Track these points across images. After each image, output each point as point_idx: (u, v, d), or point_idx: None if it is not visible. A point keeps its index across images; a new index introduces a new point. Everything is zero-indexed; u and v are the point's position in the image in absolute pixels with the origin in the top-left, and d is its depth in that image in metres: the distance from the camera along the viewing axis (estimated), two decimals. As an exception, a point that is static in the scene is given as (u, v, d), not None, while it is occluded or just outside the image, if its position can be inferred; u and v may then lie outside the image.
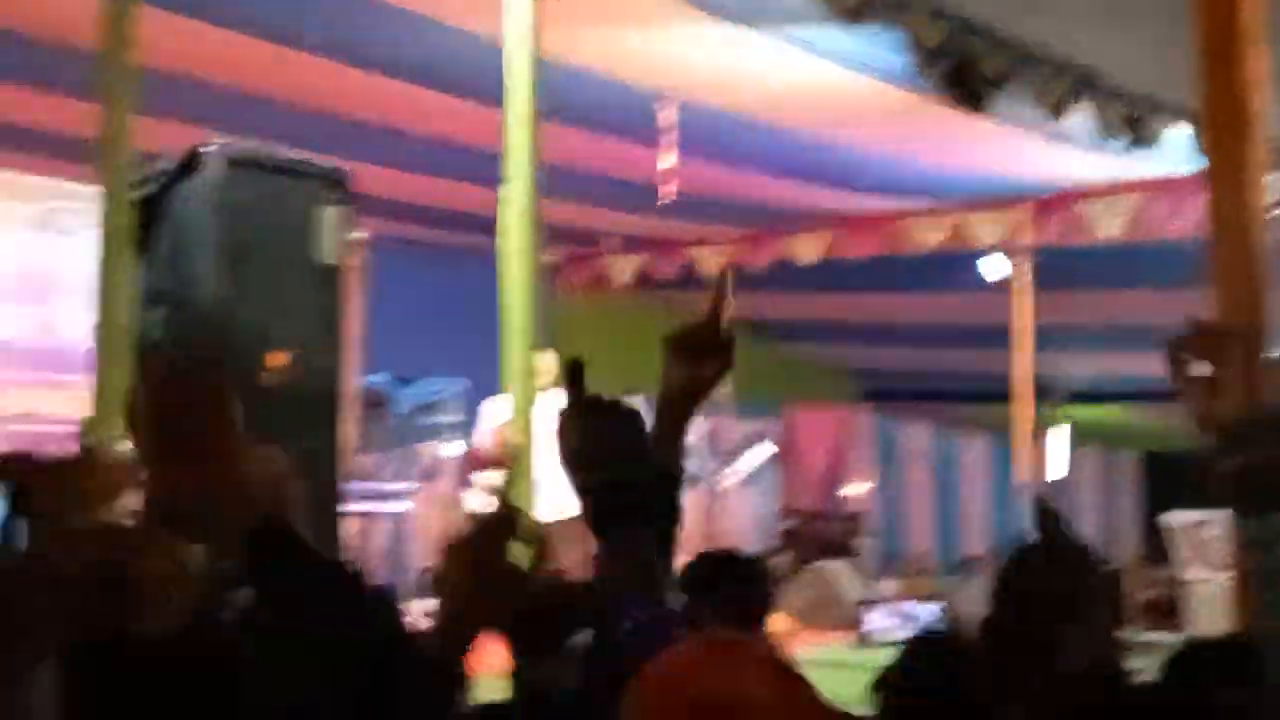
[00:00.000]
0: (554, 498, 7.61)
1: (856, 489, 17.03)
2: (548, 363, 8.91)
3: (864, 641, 7.31)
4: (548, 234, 11.51)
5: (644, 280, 13.50)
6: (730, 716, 1.45)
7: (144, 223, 5.07)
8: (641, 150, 8.70)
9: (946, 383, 15.41)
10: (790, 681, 1.52)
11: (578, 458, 1.95)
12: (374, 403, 13.20)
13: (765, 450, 14.06)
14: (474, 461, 11.17)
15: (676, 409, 2.04)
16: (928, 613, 7.82)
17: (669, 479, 1.98)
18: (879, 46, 7.28)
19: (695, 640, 1.64)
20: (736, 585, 3.14)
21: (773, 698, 1.46)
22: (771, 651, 1.71)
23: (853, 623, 7.85)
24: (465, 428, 12.70)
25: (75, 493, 1.26)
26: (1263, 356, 2.36)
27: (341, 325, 5.41)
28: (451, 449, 13.15)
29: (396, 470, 13.05)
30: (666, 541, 1.99)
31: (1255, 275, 3.56)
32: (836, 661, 6.62)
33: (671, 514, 2.01)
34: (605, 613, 1.93)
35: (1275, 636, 1.79)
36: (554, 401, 7.62)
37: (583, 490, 1.97)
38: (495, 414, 9.25)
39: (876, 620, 7.13)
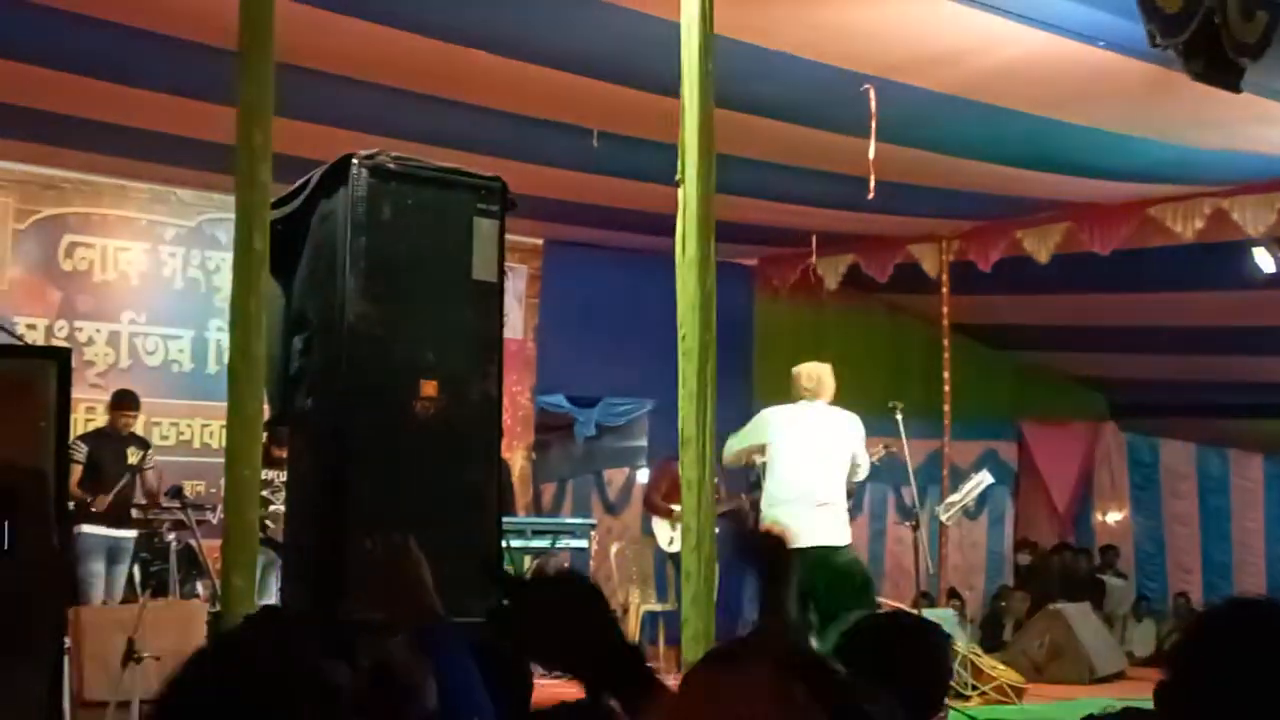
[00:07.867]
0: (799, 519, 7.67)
1: (1107, 518, 16.61)
2: (812, 371, 8.88)
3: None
4: (746, 235, 11.64)
5: (855, 280, 13.41)
6: None
7: (285, 241, 5.19)
8: (848, 139, 8.63)
9: (1212, 394, 14.91)
10: None
11: (550, 647, 2.15)
12: (552, 426, 13.37)
13: (999, 474, 13.78)
14: (664, 490, 11.22)
15: None
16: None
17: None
18: (1111, 14, 7.11)
19: None
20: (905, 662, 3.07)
21: None
22: None
23: (1092, 675, 7.57)
24: (652, 452, 12.76)
25: None
26: None
27: (499, 347, 5.47)
28: (638, 476, 13.25)
29: (577, 501, 13.18)
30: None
31: None
32: (1067, 720, 6.42)
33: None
34: None
35: None
36: (809, 411, 7.66)
37: (571, 670, 2.12)
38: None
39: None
